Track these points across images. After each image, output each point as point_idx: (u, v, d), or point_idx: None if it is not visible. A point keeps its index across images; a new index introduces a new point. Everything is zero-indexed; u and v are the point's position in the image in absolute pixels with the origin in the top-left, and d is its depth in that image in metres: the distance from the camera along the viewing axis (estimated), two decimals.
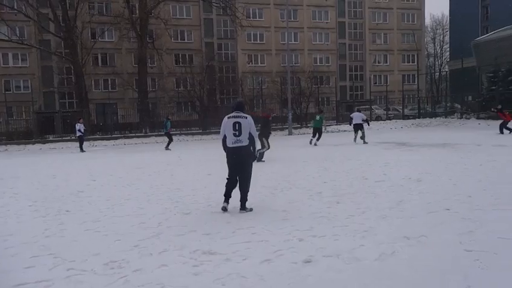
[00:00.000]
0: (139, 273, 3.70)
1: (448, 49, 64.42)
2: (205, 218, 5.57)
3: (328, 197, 6.50)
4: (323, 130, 17.16)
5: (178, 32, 42.61)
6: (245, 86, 34.73)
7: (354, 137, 16.57)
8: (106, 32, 37.28)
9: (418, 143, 14.99)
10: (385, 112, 35.25)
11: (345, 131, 26.57)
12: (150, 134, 27.39)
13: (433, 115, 33.62)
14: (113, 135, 27.96)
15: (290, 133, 25.45)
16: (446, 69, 51.23)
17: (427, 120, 30.63)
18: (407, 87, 40.80)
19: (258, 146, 8.82)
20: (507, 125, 17.59)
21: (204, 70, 31.65)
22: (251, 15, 43.98)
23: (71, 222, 5.67)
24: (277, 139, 22.22)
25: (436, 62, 67.69)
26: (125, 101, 37.47)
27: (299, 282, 3.39)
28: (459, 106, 33.85)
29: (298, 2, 46.35)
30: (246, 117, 5.84)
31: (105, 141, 25.93)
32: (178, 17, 42.77)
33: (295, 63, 43.18)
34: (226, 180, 6.00)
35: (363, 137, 16.11)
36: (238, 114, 5.84)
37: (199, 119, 29.76)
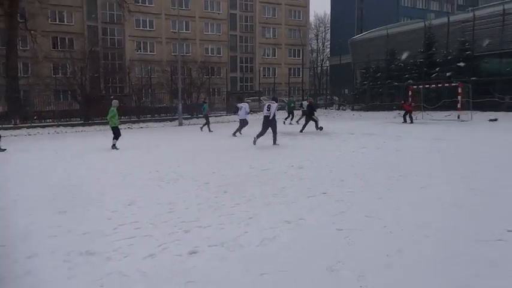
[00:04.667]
0: (1, 283, 3.27)
1: (329, 46, 69.94)
2: (84, 215, 5.15)
3: (216, 186, 6.56)
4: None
5: (57, 12, 38.62)
6: (133, 74, 33.02)
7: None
8: None
9: (301, 133, 15.97)
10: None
11: (234, 121, 27.14)
12: (21, 125, 24.27)
13: (316, 106, 36.23)
14: None
15: (180, 124, 25.05)
16: (327, 65, 55.60)
17: None
18: (293, 80, 43.27)
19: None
20: (407, 115, 19.91)
21: (87, 56, 29.07)
22: (140, 0, 41.92)
23: None
24: (167, 130, 21.71)
25: (319, 58, 73.01)
26: None
27: (183, 274, 3.36)
28: (337, 98, 37.11)
29: None
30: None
31: None
32: None
33: (186, 53, 42.54)
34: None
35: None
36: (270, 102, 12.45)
37: (81, 109, 27.36)
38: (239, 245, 3.95)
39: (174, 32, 40.56)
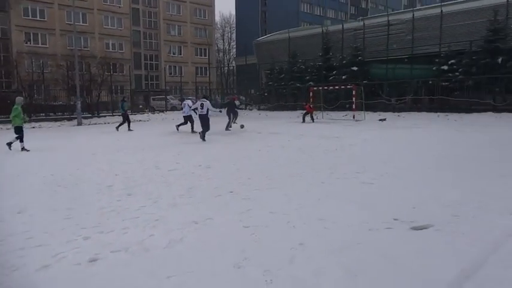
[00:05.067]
0: None
1: (235, 46, 70.93)
2: None
3: (119, 189, 6.25)
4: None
5: None
6: (22, 68, 29.78)
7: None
8: None
9: (208, 132, 15.96)
10: (180, 102, 36.29)
11: (140, 120, 26.12)
12: None
13: (222, 106, 36.52)
14: None
15: (80, 123, 23.30)
16: (234, 65, 56.34)
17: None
18: (200, 79, 43.08)
19: None
20: (307, 115, 20.85)
21: None
22: None
23: None
24: (64, 130, 20.04)
25: (225, 57, 73.61)
26: None
27: (83, 284, 3.16)
28: (244, 98, 37.85)
29: None
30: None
31: None
32: None
33: (84, 47, 39.70)
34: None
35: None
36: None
37: None
38: (144, 249, 3.82)
39: (70, 24, 37.57)
